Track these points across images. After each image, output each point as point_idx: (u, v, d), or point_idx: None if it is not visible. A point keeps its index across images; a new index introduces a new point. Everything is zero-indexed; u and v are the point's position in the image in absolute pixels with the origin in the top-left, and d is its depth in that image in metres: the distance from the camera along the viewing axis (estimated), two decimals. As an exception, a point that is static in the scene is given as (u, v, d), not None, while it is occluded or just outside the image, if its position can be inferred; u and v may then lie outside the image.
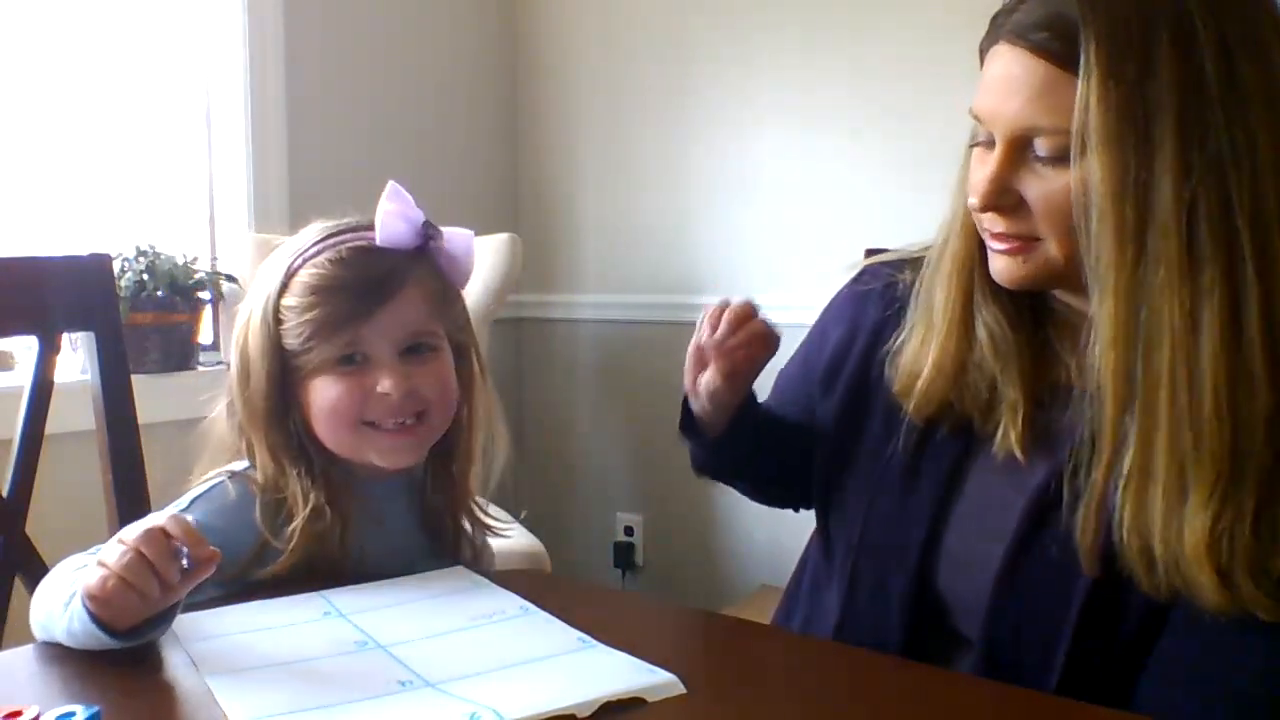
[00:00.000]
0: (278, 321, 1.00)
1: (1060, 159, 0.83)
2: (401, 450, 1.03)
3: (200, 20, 2.24)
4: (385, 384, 1.00)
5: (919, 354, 0.96)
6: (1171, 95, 0.78)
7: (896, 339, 1.00)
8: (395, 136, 2.51)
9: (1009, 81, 0.84)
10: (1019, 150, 0.85)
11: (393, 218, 1.02)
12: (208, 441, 1.07)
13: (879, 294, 1.05)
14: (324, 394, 1.01)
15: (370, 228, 1.03)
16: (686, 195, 2.52)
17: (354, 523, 1.03)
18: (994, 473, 0.94)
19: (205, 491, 1.02)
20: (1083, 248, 0.82)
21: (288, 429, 1.02)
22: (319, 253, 1.01)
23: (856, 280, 1.10)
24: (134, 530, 0.80)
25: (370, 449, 1.03)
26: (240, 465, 1.05)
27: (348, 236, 1.03)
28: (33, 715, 0.69)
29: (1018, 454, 0.91)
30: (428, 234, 1.04)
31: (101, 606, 0.79)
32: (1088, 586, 0.85)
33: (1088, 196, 0.81)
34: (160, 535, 0.80)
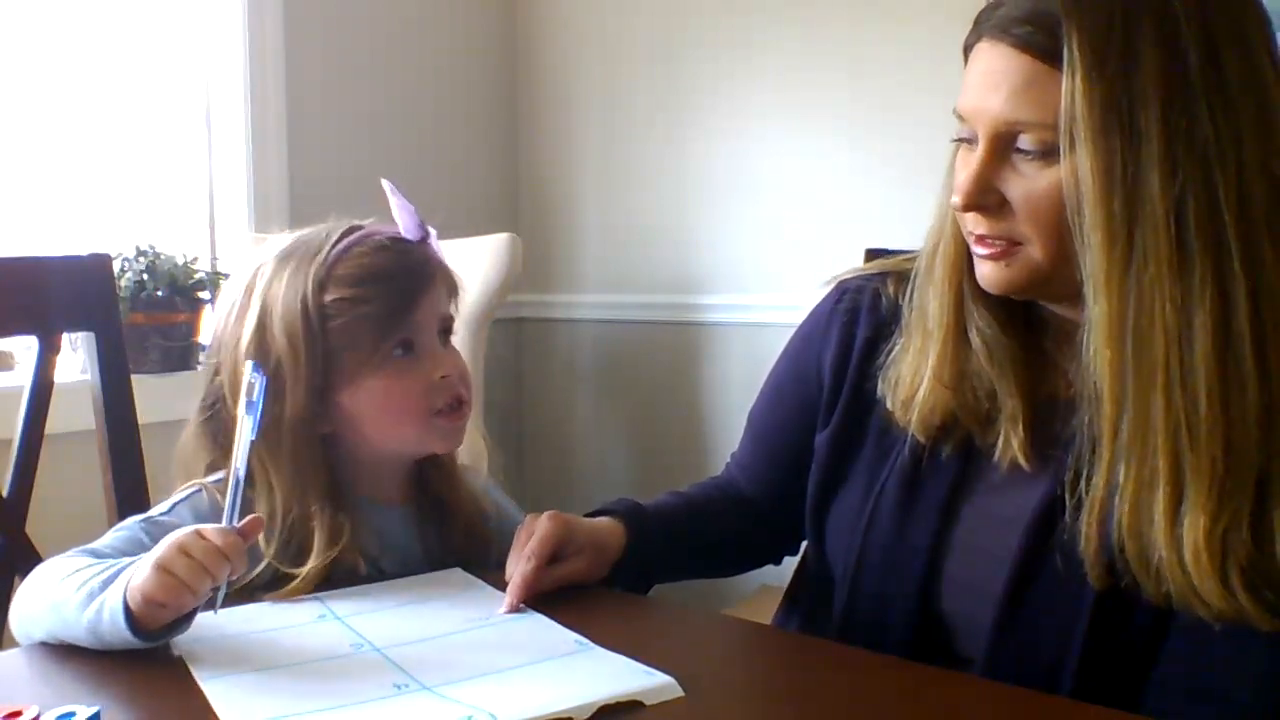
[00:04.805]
0: (324, 320, 0.99)
1: (1044, 156, 0.82)
2: (458, 432, 1.06)
3: (200, 20, 2.24)
4: (443, 367, 1.02)
5: (917, 363, 0.94)
6: (1156, 88, 0.78)
7: (889, 353, 0.98)
8: (395, 136, 2.51)
9: (991, 77, 0.84)
10: (1002, 148, 0.84)
11: (404, 213, 1.05)
12: (185, 462, 1.05)
13: (866, 310, 1.03)
14: (381, 391, 1.01)
15: (359, 227, 1.04)
16: (686, 195, 2.52)
17: (364, 545, 1.02)
18: (993, 492, 0.93)
19: (185, 498, 1.02)
20: (1076, 245, 0.81)
21: (317, 447, 1.02)
22: (349, 247, 1.01)
23: (838, 299, 1.06)
24: (198, 546, 0.82)
25: (434, 436, 1.04)
26: (214, 478, 1.03)
27: (369, 231, 1.04)
28: (33, 715, 0.69)
29: (1022, 462, 0.89)
30: (424, 227, 1.06)
31: (153, 609, 0.81)
32: (1093, 602, 0.84)
33: (1078, 191, 0.80)
34: (222, 558, 0.83)
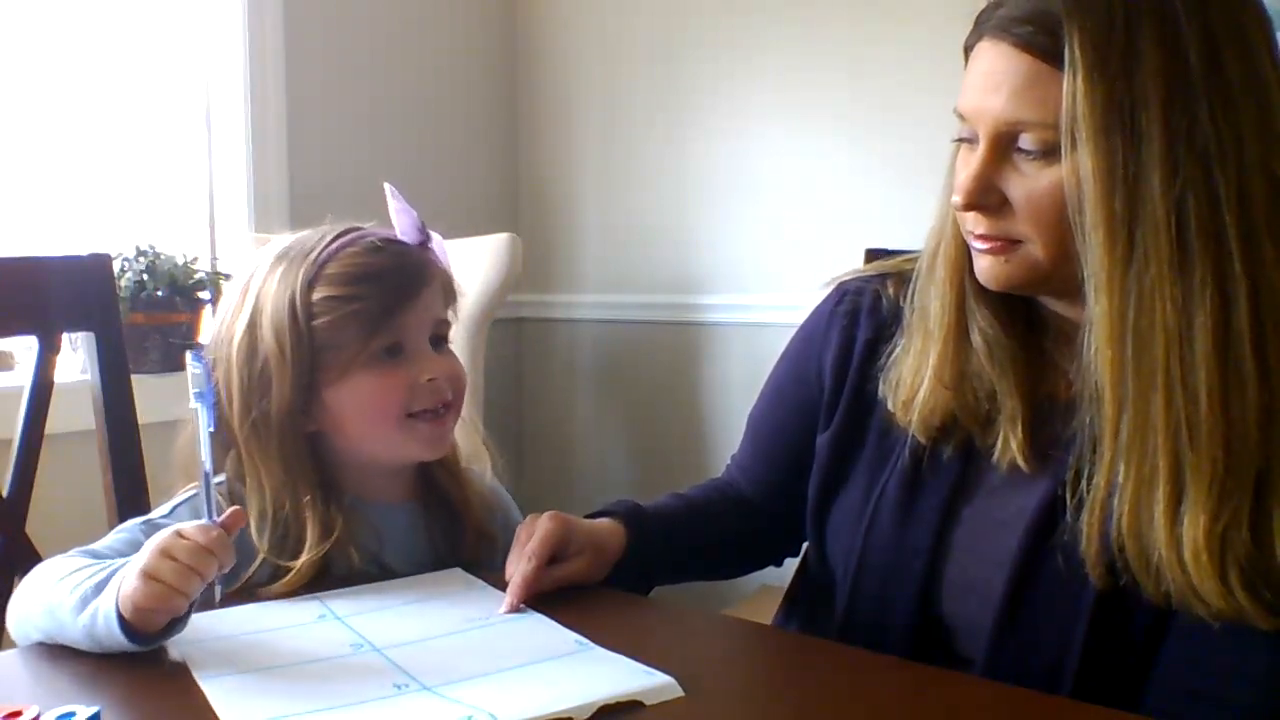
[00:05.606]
0: (310, 318, 0.99)
1: (1045, 155, 0.82)
2: (441, 438, 1.05)
3: (200, 20, 2.24)
4: (430, 370, 1.01)
5: (918, 364, 0.94)
6: (1156, 87, 0.78)
7: (890, 354, 0.98)
8: (395, 136, 2.51)
9: (992, 76, 0.84)
10: (1003, 148, 0.84)
11: (403, 216, 1.05)
12: (184, 464, 1.04)
13: (867, 312, 1.03)
14: (364, 390, 1.00)
15: (358, 229, 1.04)
16: (686, 195, 2.52)
17: (361, 545, 1.02)
18: (993, 494, 0.93)
19: (186, 500, 1.02)
20: (1077, 244, 0.82)
21: (304, 444, 1.02)
22: (341, 247, 1.01)
23: (838, 301, 1.06)
24: (180, 548, 0.82)
25: (413, 441, 1.03)
26: (216, 479, 1.02)
27: (365, 232, 1.04)
28: (33, 715, 0.69)
29: (1021, 463, 0.89)
30: (425, 231, 1.06)
31: (146, 615, 0.81)
32: (1093, 602, 0.84)
33: (1079, 190, 0.80)
34: (208, 555, 0.82)
